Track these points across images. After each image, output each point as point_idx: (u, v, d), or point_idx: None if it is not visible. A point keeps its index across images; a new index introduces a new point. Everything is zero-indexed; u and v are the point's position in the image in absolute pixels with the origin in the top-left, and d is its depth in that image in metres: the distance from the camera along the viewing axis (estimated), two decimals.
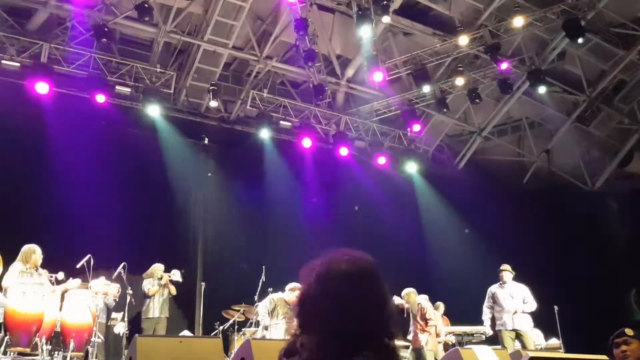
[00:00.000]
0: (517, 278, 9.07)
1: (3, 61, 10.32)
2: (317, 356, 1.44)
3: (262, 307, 8.28)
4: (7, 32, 10.33)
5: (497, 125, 14.92)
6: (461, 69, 12.95)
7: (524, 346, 8.22)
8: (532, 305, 8.68)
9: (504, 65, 12.10)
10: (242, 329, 9.11)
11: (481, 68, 12.89)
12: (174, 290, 9.20)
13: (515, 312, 8.53)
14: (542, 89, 12.49)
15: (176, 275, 9.13)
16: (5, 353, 6.10)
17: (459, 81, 12.69)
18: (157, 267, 9.17)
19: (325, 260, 1.58)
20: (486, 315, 8.84)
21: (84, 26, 10.67)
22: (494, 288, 8.82)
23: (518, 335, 8.55)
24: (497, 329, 8.78)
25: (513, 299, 8.63)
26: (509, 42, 12.47)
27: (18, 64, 10.39)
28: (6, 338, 6.16)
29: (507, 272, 8.77)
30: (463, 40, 11.95)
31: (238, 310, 9.27)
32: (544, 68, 12.70)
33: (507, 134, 15.38)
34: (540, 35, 12.56)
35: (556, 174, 15.13)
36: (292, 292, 8.26)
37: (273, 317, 8.18)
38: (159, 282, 9.06)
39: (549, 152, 15.02)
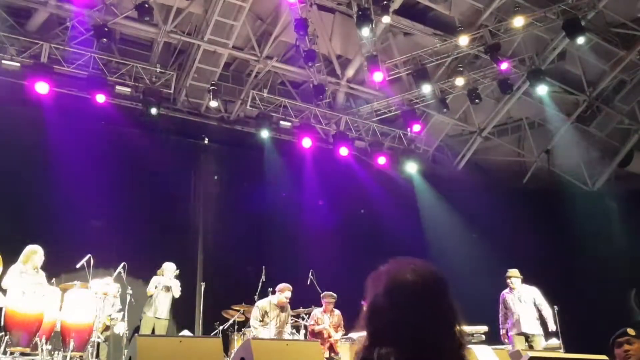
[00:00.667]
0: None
1: (3, 61, 10.31)
2: None
3: (253, 319, 8.26)
4: (7, 32, 10.33)
5: (497, 126, 14.91)
6: (461, 69, 12.95)
7: (531, 349, 8.22)
8: (546, 309, 8.68)
9: (504, 65, 12.10)
10: (242, 329, 9.12)
11: (481, 68, 12.90)
12: (176, 294, 9.09)
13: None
14: (542, 89, 12.49)
15: (172, 281, 9.06)
16: (5, 353, 6.10)
17: (459, 81, 12.69)
18: (165, 267, 9.09)
19: (392, 269, 1.57)
20: (502, 324, 8.84)
21: (84, 26, 10.69)
22: (503, 294, 8.81)
23: (527, 339, 8.57)
24: (510, 333, 8.80)
25: (522, 303, 8.66)
26: (509, 42, 12.47)
27: (18, 64, 10.39)
28: (6, 338, 6.16)
29: (514, 278, 8.78)
30: (463, 40, 11.95)
31: (238, 310, 9.27)
32: (544, 68, 12.70)
33: (507, 134, 15.37)
34: (541, 35, 12.56)
35: (556, 174, 15.13)
36: (281, 293, 8.26)
37: (264, 322, 8.15)
38: (159, 281, 8.99)
39: (549, 152, 15.01)
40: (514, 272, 8.84)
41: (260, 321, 8.12)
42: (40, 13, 10.76)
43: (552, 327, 8.67)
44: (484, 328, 9.44)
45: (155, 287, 8.90)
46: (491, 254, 12.06)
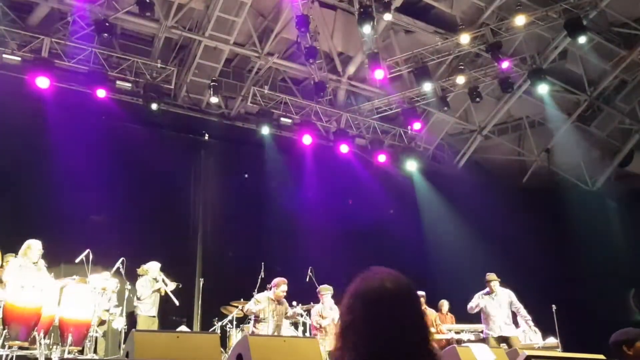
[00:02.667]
0: (515, 277, 9.10)
1: (4, 55, 10.32)
2: None
3: (248, 305, 8.25)
4: (8, 26, 10.33)
5: (498, 124, 14.91)
6: (462, 67, 12.93)
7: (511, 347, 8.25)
8: (523, 311, 8.74)
9: (505, 64, 12.08)
10: (241, 325, 9.13)
11: (482, 67, 12.88)
12: (173, 297, 9.00)
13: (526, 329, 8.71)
14: (543, 88, 12.47)
15: (170, 286, 8.98)
16: (3, 346, 6.11)
17: (460, 79, 12.69)
18: (152, 267, 8.91)
19: (360, 279, 1.60)
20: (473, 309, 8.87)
21: (85, 21, 10.68)
22: (485, 299, 8.78)
23: (504, 340, 8.60)
24: (485, 335, 8.84)
25: (501, 308, 8.70)
26: (511, 40, 12.45)
27: (19, 59, 10.38)
28: (4, 332, 6.17)
29: (495, 282, 8.78)
30: (464, 38, 11.93)
31: (236, 307, 9.28)
32: (545, 67, 12.69)
33: (508, 133, 15.36)
34: (542, 34, 12.54)
35: (556, 174, 15.13)
36: (277, 287, 8.27)
37: (260, 316, 8.15)
38: (153, 282, 8.90)
39: (549, 152, 15.01)
40: (493, 276, 8.84)
41: (256, 318, 8.13)
42: (41, 7, 10.75)
43: (532, 326, 8.72)
44: (482, 327, 9.47)
45: (154, 291, 8.80)
46: (490, 252, 12.07)
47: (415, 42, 12.82)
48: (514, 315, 8.87)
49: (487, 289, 8.81)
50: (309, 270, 9.57)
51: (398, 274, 1.62)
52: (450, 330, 9.80)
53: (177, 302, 8.94)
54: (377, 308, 1.51)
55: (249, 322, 9.22)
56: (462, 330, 9.97)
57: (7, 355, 6.05)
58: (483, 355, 6.67)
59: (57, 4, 10.68)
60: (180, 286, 9.28)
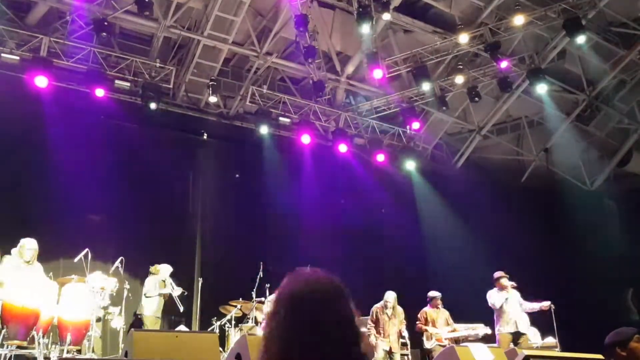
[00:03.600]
0: (513, 277, 9.13)
1: (2, 54, 10.29)
2: None
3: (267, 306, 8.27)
4: (6, 25, 10.31)
5: (496, 124, 14.91)
6: (461, 67, 12.94)
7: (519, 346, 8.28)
8: (526, 305, 8.89)
9: (504, 64, 12.08)
10: (239, 325, 9.13)
11: (481, 66, 12.89)
12: (178, 302, 9.08)
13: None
14: (541, 88, 12.48)
15: (177, 291, 9.08)
16: (2, 346, 6.10)
17: (459, 79, 12.69)
18: (163, 269, 9.06)
19: (286, 280, 1.56)
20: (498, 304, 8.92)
21: (83, 20, 10.66)
22: (502, 294, 8.82)
23: (517, 337, 8.63)
24: (497, 332, 8.86)
25: (515, 304, 8.80)
26: (509, 40, 12.46)
27: (17, 58, 10.36)
28: (3, 331, 6.17)
29: (505, 279, 8.88)
30: (463, 38, 11.94)
31: (235, 306, 9.28)
32: (544, 67, 12.68)
33: (506, 133, 15.36)
34: (541, 34, 12.54)
35: (555, 173, 15.13)
36: None
37: None
38: (161, 283, 8.97)
39: (547, 151, 15.01)
40: (503, 274, 8.95)
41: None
42: (40, 6, 10.74)
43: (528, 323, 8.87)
44: (481, 326, 9.49)
45: (160, 294, 8.85)
46: (489, 252, 12.08)
47: (414, 42, 12.83)
48: None
49: (499, 286, 8.84)
50: (308, 268, 9.55)
51: (325, 275, 1.57)
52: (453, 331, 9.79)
53: (182, 308, 9.01)
54: (298, 313, 1.46)
55: (247, 322, 9.23)
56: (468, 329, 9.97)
57: (5, 355, 6.05)
58: (481, 355, 6.68)
59: (55, 3, 10.67)
60: (186, 293, 9.31)
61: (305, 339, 1.43)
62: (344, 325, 1.48)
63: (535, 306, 8.86)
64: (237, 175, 12.68)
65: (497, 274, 9.03)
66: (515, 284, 8.93)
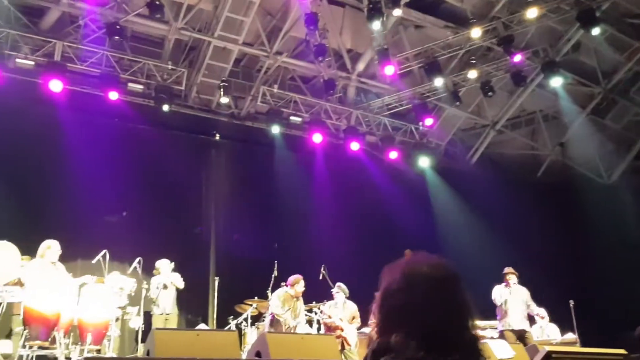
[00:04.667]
0: (532, 273, 9.06)
1: (17, 60, 10.42)
2: (408, 356, 1.45)
3: (275, 307, 8.25)
4: (21, 30, 10.41)
5: (511, 119, 14.79)
6: (474, 61, 12.81)
7: (525, 344, 8.20)
8: (535, 308, 8.90)
9: (518, 58, 12.01)
10: (256, 323, 9.14)
11: (494, 60, 12.80)
12: (180, 284, 8.91)
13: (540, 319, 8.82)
14: (556, 81, 12.36)
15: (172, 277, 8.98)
16: (24, 346, 6.17)
17: (472, 74, 12.60)
18: (161, 264, 8.92)
19: (409, 261, 1.63)
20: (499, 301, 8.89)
21: (96, 24, 10.75)
22: (505, 292, 8.78)
23: (521, 335, 8.59)
24: (500, 329, 8.82)
25: (519, 302, 8.75)
26: (523, 34, 12.35)
27: (32, 63, 10.48)
28: (25, 332, 6.23)
29: (512, 276, 8.85)
30: (476, 32, 11.85)
31: (251, 305, 9.29)
32: (558, 60, 12.57)
33: (521, 127, 15.24)
34: (554, 26, 12.42)
35: (571, 167, 14.99)
36: (296, 284, 8.30)
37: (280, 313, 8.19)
38: (161, 280, 8.91)
39: (563, 145, 14.87)
40: (511, 270, 8.93)
41: (281, 308, 8.16)
42: (53, 12, 10.82)
43: (545, 322, 9.03)
44: (496, 322, 9.40)
45: (157, 288, 8.83)
46: (505, 248, 11.97)
47: (426, 37, 12.75)
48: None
49: (505, 283, 8.79)
50: (322, 268, 9.55)
51: (443, 259, 1.65)
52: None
53: (181, 285, 8.85)
54: (429, 291, 1.53)
55: (263, 320, 9.23)
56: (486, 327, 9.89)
57: (28, 355, 6.11)
58: (502, 352, 6.62)
59: (68, 7, 10.74)
60: (173, 264, 9.10)
61: (432, 316, 1.50)
62: (463, 305, 1.56)
63: (535, 310, 8.89)
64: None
65: (505, 270, 8.99)
66: (515, 281, 8.81)
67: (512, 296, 8.73)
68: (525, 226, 13.00)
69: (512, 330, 8.61)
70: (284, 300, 8.25)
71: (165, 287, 8.77)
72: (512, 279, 8.79)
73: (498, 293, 8.79)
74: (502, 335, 8.66)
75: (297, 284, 8.29)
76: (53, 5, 10.68)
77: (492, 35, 12.00)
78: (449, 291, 1.55)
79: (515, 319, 8.64)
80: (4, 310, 6.64)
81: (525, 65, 12.58)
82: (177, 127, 12.02)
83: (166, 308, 8.75)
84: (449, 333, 1.49)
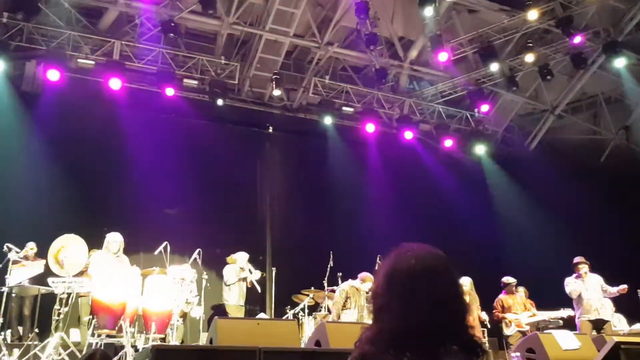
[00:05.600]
0: (596, 263, 8.76)
1: (79, 60, 10.82)
2: (380, 349, 1.45)
3: (336, 304, 8.27)
4: (81, 31, 10.82)
5: (571, 103, 14.25)
6: (531, 44, 12.40)
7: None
8: (610, 288, 8.57)
9: (578, 39, 11.53)
10: (313, 313, 9.21)
11: (552, 43, 12.33)
12: (258, 288, 9.41)
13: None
14: (620, 62, 11.79)
15: (255, 275, 9.37)
16: (93, 334, 6.45)
17: (529, 57, 12.20)
18: (240, 257, 9.33)
19: (392, 256, 1.60)
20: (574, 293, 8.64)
21: (151, 22, 11.06)
22: (578, 283, 8.51)
23: (599, 325, 8.34)
24: (578, 320, 8.55)
25: (595, 291, 8.52)
26: (582, 14, 11.82)
27: (93, 62, 10.86)
28: (94, 321, 6.51)
29: (585, 265, 8.62)
30: (532, 14, 11.44)
31: (307, 295, 9.37)
32: (621, 40, 11.97)
33: (582, 111, 14.66)
34: (616, 5, 11.83)
35: (636, 152, 14.29)
36: (363, 282, 8.26)
37: (346, 307, 8.18)
38: (239, 272, 9.26)
39: (628, 129, 14.19)
40: (583, 259, 8.69)
41: (342, 306, 8.15)
42: (110, 12, 11.18)
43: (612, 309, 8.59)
44: (561, 313, 9.13)
45: (237, 277, 9.15)
46: (567, 237, 11.58)
47: (480, 22, 12.41)
48: None
49: (577, 273, 8.52)
50: (378, 259, 9.50)
51: (432, 248, 1.61)
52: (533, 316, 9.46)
53: (259, 290, 9.35)
54: (413, 282, 1.50)
55: (320, 310, 9.29)
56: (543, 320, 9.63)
57: (96, 343, 6.38)
58: (567, 342, 6.41)
59: (125, 7, 11.07)
60: (265, 275, 9.55)
61: (418, 307, 1.47)
62: (452, 295, 1.52)
63: (614, 290, 8.52)
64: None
65: (575, 260, 8.75)
66: (587, 270, 8.53)
67: (585, 286, 8.50)
68: (588, 214, 12.51)
69: (590, 321, 8.40)
70: (347, 295, 8.21)
71: (244, 280, 9.12)
72: (584, 268, 8.56)
73: (572, 287, 8.55)
74: (579, 326, 8.43)
75: (364, 281, 8.26)
76: (111, 5, 11.03)
77: (549, 16, 11.56)
78: (431, 284, 1.50)
79: (592, 309, 8.42)
80: (73, 300, 6.97)
81: (585, 47, 12.07)
82: (231, 120, 12.24)
83: (240, 299, 9.07)
84: (436, 326, 1.44)
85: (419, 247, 1.60)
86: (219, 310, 9.40)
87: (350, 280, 8.51)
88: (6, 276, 6.91)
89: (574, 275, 8.64)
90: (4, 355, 6.41)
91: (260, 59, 12.13)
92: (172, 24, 10.69)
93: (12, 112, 10.24)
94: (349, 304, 8.10)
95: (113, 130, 10.43)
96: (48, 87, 10.45)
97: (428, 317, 1.44)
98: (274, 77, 12.14)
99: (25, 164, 9.95)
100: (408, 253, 1.57)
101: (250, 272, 9.36)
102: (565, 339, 6.42)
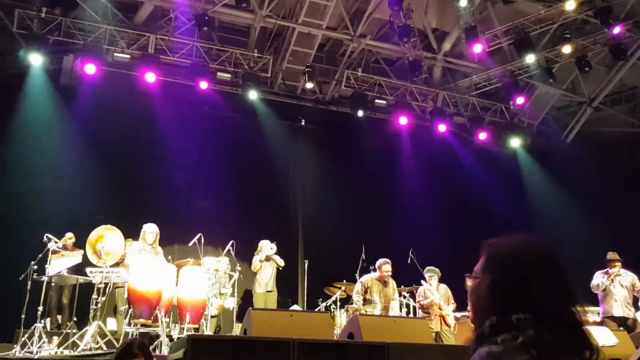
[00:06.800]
0: (633, 258, 8.54)
1: (115, 54, 11.02)
2: (530, 335, 1.41)
3: (355, 293, 8.26)
4: (117, 26, 11.01)
5: (609, 95, 13.86)
6: (568, 35, 12.10)
7: (630, 331, 7.72)
8: None
9: (617, 30, 11.20)
10: (345, 306, 9.21)
11: (590, 34, 12.00)
12: (281, 263, 9.39)
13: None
14: None
15: (273, 250, 9.39)
16: (129, 324, 6.58)
17: (566, 49, 11.91)
18: (262, 244, 9.43)
19: (513, 242, 1.57)
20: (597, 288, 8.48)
21: (186, 16, 11.17)
22: (605, 278, 8.33)
23: (623, 322, 8.19)
24: (602, 316, 8.41)
25: (623, 288, 8.36)
26: (622, 4, 11.47)
27: (128, 56, 11.05)
28: (130, 311, 6.64)
29: (618, 263, 8.44)
30: (570, 5, 11.14)
31: (339, 288, 9.38)
32: None
33: (621, 104, 14.24)
34: None
35: None
36: (379, 268, 8.24)
37: (367, 301, 8.15)
38: (262, 257, 9.34)
39: None
40: (616, 256, 8.52)
41: (363, 298, 8.14)
42: (145, 6, 11.33)
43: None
44: (599, 309, 8.94)
45: (260, 262, 9.21)
46: (604, 232, 11.31)
47: (515, 12, 12.15)
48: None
49: (608, 268, 8.34)
50: (410, 252, 9.44)
51: (541, 239, 1.56)
52: None
53: (282, 263, 9.32)
54: (541, 271, 1.48)
55: (352, 303, 9.29)
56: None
57: (132, 332, 6.51)
58: (604, 339, 6.27)
59: (159, 1, 11.21)
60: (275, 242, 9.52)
61: (522, 294, 1.46)
62: (570, 285, 1.51)
63: None
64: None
65: (608, 256, 8.59)
66: (617, 270, 8.32)
67: (616, 281, 8.34)
68: (626, 208, 12.18)
69: (612, 317, 8.25)
70: (367, 287, 8.18)
71: (268, 258, 9.18)
72: (618, 265, 8.40)
73: (597, 280, 8.45)
74: (602, 322, 8.26)
75: (380, 267, 8.25)
76: (146, 0, 11.18)
77: (587, 7, 11.24)
78: (557, 271, 1.50)
79: (615, 306, 8.25)
80: (110, 290, 7.13)
81: (625, 38, 11.71)
82: (264, 113, 12.29)
83: (267, 285, 9.11)
84: (561, 314, 1.44)
85: (527, 236, 1.58)
86: (247, 300, 9.50)
87: (370, 273, 8.47)
88: (46, 266, 7.09)
89: (605, 269, 8.48)
90: (43, 342, 6.59)
91: (292, 51, 12.14)
92: (206, 18, 10.78)
93: (51, 106, 10.52)
94: (369, 296, 8.05)
95: (148, 123, 10.62)
96: (85, 80, 10.69)
97: (561, 305, 1.45)
98: (306, 70, 12.14)
99: (63, 156, 10.22)
100: (528, 240, 1.56)
101: (272, 249, 9.35)
102: (603, 335, 6.29)
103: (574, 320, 1.45)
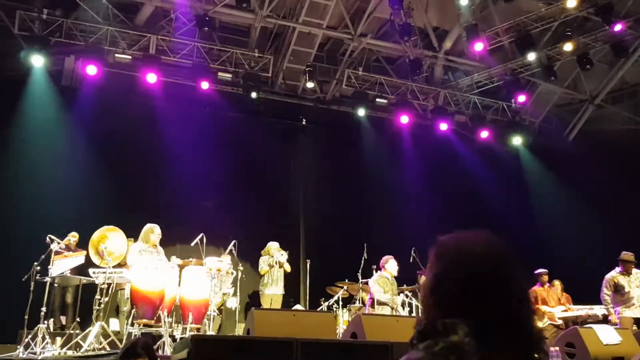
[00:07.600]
0: (637, 258, 8.51)
1: (116, 55, 11.03)
2: (454, 340, 1.33)
3: (379, 293, 8.27)
4: (118, 27, 11.02)
5: (611, 92, 13.84)
6: (569, 33, 12.06)
7: None
8: None
9: (618, 27, 11.18)
10: (348, 305, 9.23)
11: (592, 31, 11.98)
12: (287, 268, 9.58)
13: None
14: None
15: (283, 257, 9.48)
16: (132, 324, 6.58)
17: (568, 47, 11.89)
18: (271, 246, 9.49)
19: (459, 241, 1.45)
20: (608, 304, 8.37)
21: (186, 17, 11.18)
22: (621, 278, 8.29)
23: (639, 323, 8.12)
24: (619, 314, 8.34)
25: (636, 287, 8.24)
26: (623, 1, 11.45)
27: (129, 57, 11.06)
28: (133, 311, 6.65)
29: (630, 262, 8.32)
30: (571, 2, 11.11)
31: (342, 287, 9.39)
32: None
33: (623, 101, 14.21)
34: None
35: None
36: (386, 263, 8.30)
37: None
38: (270, 260, 9.38)
39: None
40: (632, 257, 8.34)
41: (384, 293, 8.22)
42: (146, 7, 11.34)
43: None
44: (598, 307, 8.94)
45: (270, 266, 9.29)
46: (607, 232, 11.28)
47: (516, 10, 12.12)
48: None
49: (621, 268, 8.30)
50: (412, 251, 9.43)
51: (494, 237, 1.46)
52: (567, 310, 9.29)
53: (289, 269, 9.54)
54: (484, 274, 1.37)
55: (354, 303, 9.30)
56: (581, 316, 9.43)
57: (135, 332, 6.52)
58: (608, 337, 6.27)
59: (160, 2, 11.21)
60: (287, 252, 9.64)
61: (470, 296, 1.36)
62: (522, 289, 1.41)
63: None
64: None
65: (622, 256, 8.39)
66: (630, 270, 8.27)
67: (630, 283, 8.25)
68: (629, 207, 12.14)
69: (631, 318, 8.14)
70: (384, 285, 8.25)
71: (281, 265, 9.35)
72: (632, 265, 8.30)
73: (610, 282, 8.31)
74: (619, 321, 8.23)
75: (387, 263, 8.29)
76: (146, 0, 11.19)
77: (589, 4, 11.22)
78: (506, 274, 1.38)
79: (635, 306, 8.18)
80: (113, 291, 7.13)
81: (626, 35, 11.69)
82: (265, 113, 12.30)
83: (277, 288, 9.21)
84: (504, 320, 1.33)
85: (480, 234, 1.46)
86: (254, 300, 9.55)
87: (379, 272, 8.49)
88: (49, 267, 7.09)
89: (617, 269, 8.37)
90: (47, 343, 6.59)
91: (293, 51, 12.14)
92: (207, 18, 10.79)
93: (52, 107, 10.54)
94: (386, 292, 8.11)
95: (149, 123, 10.63)
96: (86, 81, 10.71)
97: (505, 310, 1.34)
98: (307, 69, 12.14)
99: (64, 157, 10.23)
100: (477, 238, 1.44)
101: (282, 254, 9.55)
102: (606, 334, 6.28)
103: (519, 323, 1.35)
